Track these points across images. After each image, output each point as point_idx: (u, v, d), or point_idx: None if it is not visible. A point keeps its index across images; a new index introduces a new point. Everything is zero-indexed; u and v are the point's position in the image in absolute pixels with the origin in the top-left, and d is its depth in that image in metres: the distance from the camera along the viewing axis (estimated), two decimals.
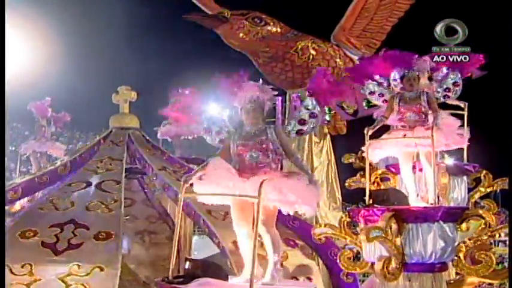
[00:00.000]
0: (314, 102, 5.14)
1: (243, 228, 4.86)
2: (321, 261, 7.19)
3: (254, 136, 4.90)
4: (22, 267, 6.06)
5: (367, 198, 5.56)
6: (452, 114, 7.24)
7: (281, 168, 4.98)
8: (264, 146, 4.84)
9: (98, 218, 6.86)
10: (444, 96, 6.47)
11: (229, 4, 12.39)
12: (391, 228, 5.11)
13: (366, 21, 12.27)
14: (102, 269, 6.07)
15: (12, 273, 5.98)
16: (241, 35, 11.95)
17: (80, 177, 7.84)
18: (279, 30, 12.29)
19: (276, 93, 5.13)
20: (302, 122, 5.10)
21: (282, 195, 4.58)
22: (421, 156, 6.15)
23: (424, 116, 6.12)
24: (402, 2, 12.14)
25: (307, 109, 5.12)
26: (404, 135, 6.10)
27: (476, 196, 7.20)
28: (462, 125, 7.24)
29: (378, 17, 12.25)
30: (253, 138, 4.89)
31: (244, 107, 4.97)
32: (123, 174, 7.86)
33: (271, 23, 12.27)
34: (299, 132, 5.19)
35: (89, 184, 7.58)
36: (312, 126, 5.19)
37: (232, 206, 4.88)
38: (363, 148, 5.94)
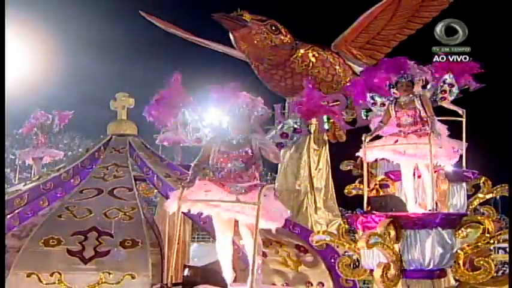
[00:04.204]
0: (300, 119, 5.14)
1: (228, 235, 4.95)
2: (323, 266, 7.21)
3: (238, 145, 4.93)
4: (51, 275, 6.09)
5: (365, 204, 5.56)
6: (451, 121, 7.25)
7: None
8: (248, 156, 4.88)
9: (119, 226, 6.88)
10: (441, 98, 6.47)
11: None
12: (389, 234, 5.10)
13: (371, 35, 12.21)
14: (133, 277, 6.14)
15: (40, 281, 6.03)
16: (256, 40, 12.00)
17: (90, 184, 7.84)
18: (288, 40, 12.36)
19: (265, 107, 5.17)
20: (285, 135, 5.10)
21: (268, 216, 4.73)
22: (419, 163, 6.14)
23: (419, 119, 6.10)
24: (415, 21, 11.96)
25: (293, 124, 5.12)
26: (396, 141, 6.09)
27: (476, 203, 7.19)
28: (461, 132, 7.27)
29: (386, 33, 12.16)
30: (237, 148, 4.92)
31: (231, 115, 5.03)
32: (133, 182, 7.88)
33: (284, 32, 12.35)
34: (279, 145, 5.19)
35: (101, 191, 7.59)
36: (294, 140, 5.20)
37: (217, 217, 4.93)
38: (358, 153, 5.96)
